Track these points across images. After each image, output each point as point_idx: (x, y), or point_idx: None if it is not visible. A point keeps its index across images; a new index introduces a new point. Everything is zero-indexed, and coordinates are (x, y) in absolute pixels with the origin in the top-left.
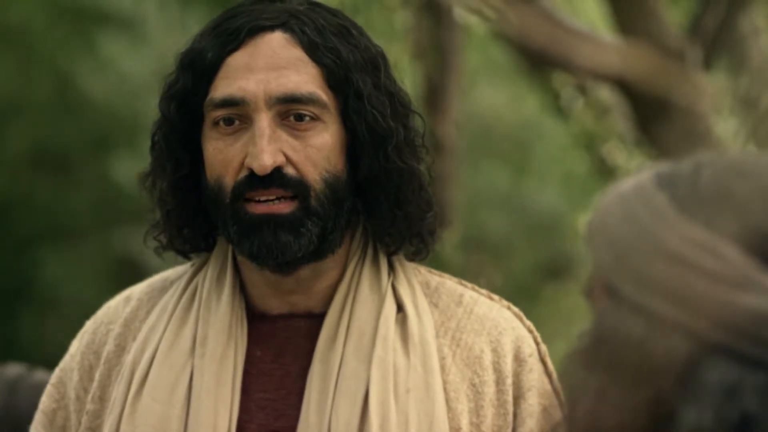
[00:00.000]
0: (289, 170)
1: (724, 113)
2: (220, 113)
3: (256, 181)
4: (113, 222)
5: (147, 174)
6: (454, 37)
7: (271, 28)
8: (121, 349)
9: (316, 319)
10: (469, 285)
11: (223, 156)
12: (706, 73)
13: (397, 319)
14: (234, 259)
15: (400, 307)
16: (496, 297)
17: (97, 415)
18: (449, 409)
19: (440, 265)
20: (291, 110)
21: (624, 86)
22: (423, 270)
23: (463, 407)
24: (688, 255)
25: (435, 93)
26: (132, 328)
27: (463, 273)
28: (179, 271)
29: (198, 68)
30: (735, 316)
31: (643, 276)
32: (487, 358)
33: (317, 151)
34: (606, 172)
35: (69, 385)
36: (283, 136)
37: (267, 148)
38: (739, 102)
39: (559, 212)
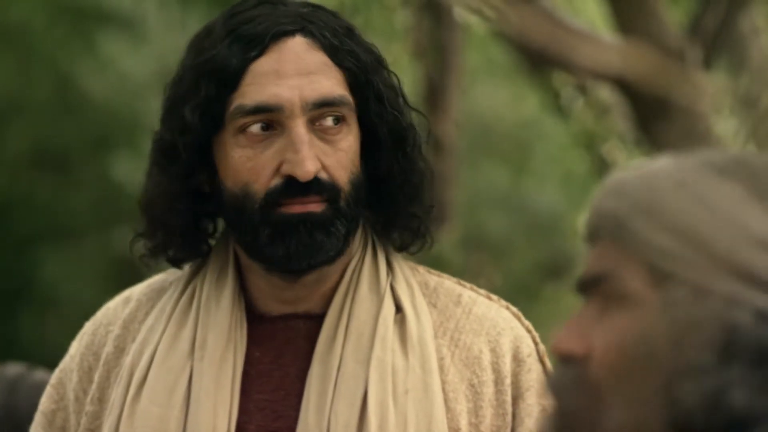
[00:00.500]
0: (323, 175)
1: (724, 113)
2: (249, 120)
3: (295, 189)
4: (113, 222)
5: (152, 181)
6: (454, 37)
7: (292, 33)
8: (120, 350)
9: (316, 319)
10: (468, 285)
11: (253, 163)
12: (706, 73)
13: (395, 320)
14: (236, 263)
15: (398, 308)
16: (494, 297)
17: (96, 417)
18: (448, 409)
19: (440, 265)
20: (323, 115)
21: (624, 86)
22: (422, 270)
23: (462, 407)
24: None
25: (435, 92)
26: (131, 329)
27: (462, 272)
28: (178, 272)
29: (221, 76)
30: None
31: (727, 262)
32: (486, 359)
33: (345, 155)
34: (606, 172)
35: (68, 387)
36: (315, 141)
37: (309, 154)
38: (739, 101)
39: (559, 212)
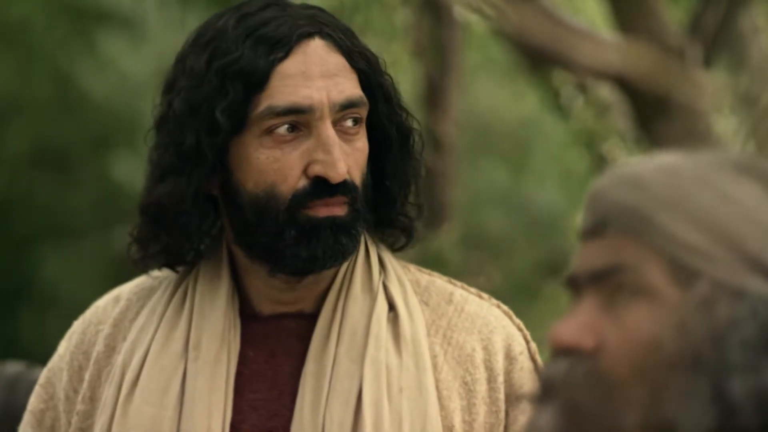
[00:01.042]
0: (347, 176)
1: (724, 111)
2: (278, 121)
3: (324, 190)
4: (113, 221)
5: (164, 184)
6: (454, 36)
7: (312, 35)
8: (111, 349)
9: (307, 319)
10: (459, 283)
11: (280, 164)
12: (706, 71)
13: (388, 318)
14: (230, 263)
15: (391, 306)
16: (485, 295)
17: (88, 416)
18: (442, 407)
19: (440, 264)
20: (345, 116)
21: (624, 84)
22: (413, 268)
23: (456, 405)
24: None
25: (435, 91)
26: (121, 328)
27: (462, 271)
28: (166, 271)
29: (248, 77)
30: None
31: (759, 261)
32: (479, 356)
33: (361, 155)
34: (605, 170)
35: (58, 386)
36: (339, 141)
37: (340, 156)
38: (739, 100)
39: (559, 210)
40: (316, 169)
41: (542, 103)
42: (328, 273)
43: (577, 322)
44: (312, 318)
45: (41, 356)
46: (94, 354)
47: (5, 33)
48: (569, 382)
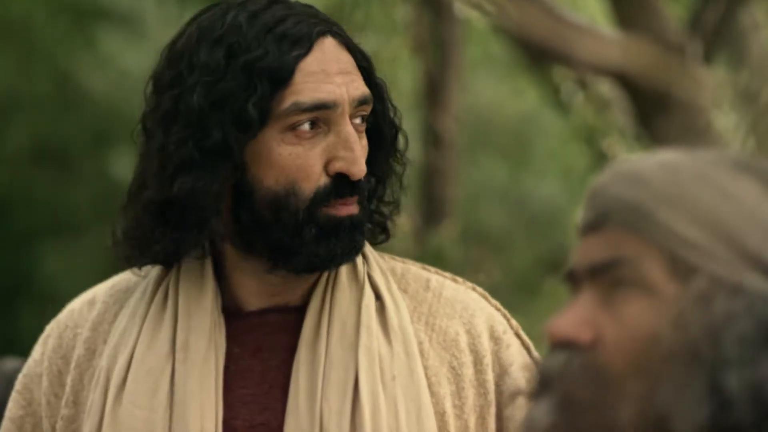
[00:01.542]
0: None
1: (724, 108)
2: (303, 117)
3: (347, 187)
4: (113, 218)
5: (184, 180)
6: (454, 32)
7: (326, 33)
8: (91, 352)
9: (292, 311)
10: (432, 269)
11: (302, 161)
12: (706, 68)
13: (375, 308)
14: (214, 261)
15: (377, 296)
16: (459, 279)
17: (73, 420)
18: (432, 393)
19: (440, 260)
20: (357, 113)
21: (624, 80)
22: (386, 257)
23: (446, 391)
24: None
25: (435, 87)
26: (100, 330)
27: (462, 267)
28: (140, 272)
29: (274, 73)
30: None
31: (758, 257)
32: (463, 340)
33: (365, 151)
34: (605, 167)
35: (37, 391)
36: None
37: (361, 153)
38: (739, 96)
39: (559, 206)
40: (339, 166)
41: (542, 99)
42: None
43: (575, 316)
44: (296, 311)
45: None
46: (75, 358)
47: (5, 30)
48: (566, 376)
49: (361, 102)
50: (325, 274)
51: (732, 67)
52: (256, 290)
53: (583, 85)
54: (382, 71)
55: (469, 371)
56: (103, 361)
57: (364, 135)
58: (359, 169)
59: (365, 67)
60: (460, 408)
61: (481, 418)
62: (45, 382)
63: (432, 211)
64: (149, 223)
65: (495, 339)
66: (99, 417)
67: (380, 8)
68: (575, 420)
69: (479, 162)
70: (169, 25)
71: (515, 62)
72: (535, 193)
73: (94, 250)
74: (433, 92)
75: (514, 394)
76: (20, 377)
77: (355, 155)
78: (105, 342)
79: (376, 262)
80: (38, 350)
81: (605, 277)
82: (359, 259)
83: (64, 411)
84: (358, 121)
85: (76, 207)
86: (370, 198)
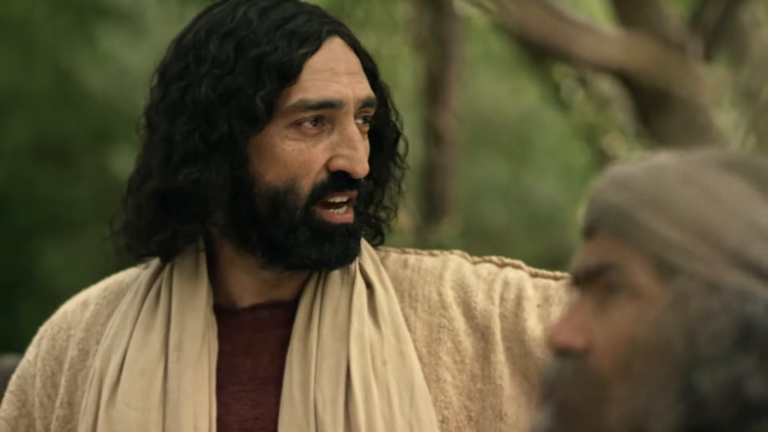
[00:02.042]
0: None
1: (725, 105)
2: (308, 114)
3: (343, 183)
4: (112, 215)
5: (189, 172)
6: (455, 29)
7: (334, 33)
8: (84, 353)
9: (282, 306)
10: (411, 250)
11: (305, 157)
12: (707, 65)
13: (366, 295)
14: (209, 259)
15: (368, 284)
16: (438, 252)
17: (68, 420)
18: (425, 365)
19: None
20: (361, 114)
21: (624, 78)
22: (368, 246)
23: (441, 355)
24: None
25: (435, 85)
26: (93, 332)
27: None
28: (132, 273)
29: (282, 69)
30: None
31: (736, 255)
32: (449, 297)
33: (366, 152)
34: (606, 164)
35: (31, 392)
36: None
37: (364, 152)
38: (740, 94)
39: (559, 204)
40: (340, 163)
41: (543, 96)
42: None
43: (571, 323)
44: (287, 305)
45: None
46: (68, 359)
47: (6, 27)
48: (561, 382)
49: (366, 103)
50: None
51: (732, 64)
52: (249, 286)
53: (583, 82)
54: (382, 69)
55: (460, 323)
56: (96, 362)
57: (366, 136)
58: (362, 167)
59: (370, 70)
60: (461, 362)
61: (487, 360)
62: (38, 383)
63: (432, 208)
64: (152, 212)
65: (488, 282)
66: (93, 418)
67: (381, 6)
68: (569, 426)
69: (480, 159)
70: (170, 23)
71: (516, 60)
72: (535, 191)
73: (93, 246)
74: (434, 90)
75: (520, 310)
76: (14, 378)
77: (358, 154)
78: (98, 343)
79: (367, 251)
80: (32, 351)
81: (599, 283)
82: None
83: (58, 412)
84: (360, 121)
85: (76, 204)
86: (368, 202)
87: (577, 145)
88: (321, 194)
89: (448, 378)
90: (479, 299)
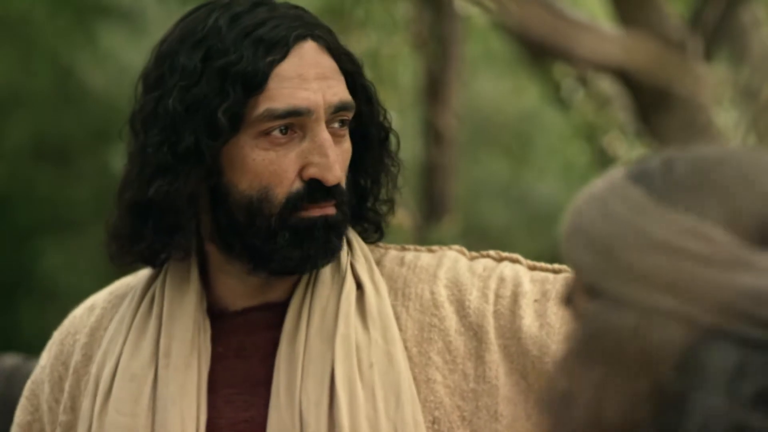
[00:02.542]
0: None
1: (725, 104)
2: (276, 124)
3: (320, 192)
4: (112, 214)
5: (159, 183)
6: (455, 28)
7: (306, 37)
8: (87, 358)
9: (274, 308)
10: (412, 247)
11: (276, 166)
12: (707, 64)
13: (355, 296)
14: (200, 264)
15: (359, 285)
16: (436, 248)
17: (70, 426)
18: (414, 364)
19: None
20: (336, 119)
21: (625, 77)
22: (371, 247)
23: (431, 355)
24: (675, 242)
25: (435, 84)
26: (97, 336)
27: None
28: (140, 277)
29: (248, 79)
30: (729, 297)
31: (631, 270)
32: (441, 295)
33: (347, 156)
34: (606, 163)
35: (41, 398)
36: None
37: (336, 159)
38: (740, 93)
39: (560, 203)
40: (312, 172)
41: (543, 95)
42: None
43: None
44: (279, 307)
45: (41, 349)
46: (73, 364)
47: (6, 26)
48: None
49: (340, 108)
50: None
51: (733, 64)
52: (239, 291)
53: (583, 81)
54: (382, 68)
55: (452, 322)
56: (93, 368)
57: (346, 139)
58: (333, 175)
59: (350, 71)
60: (452, 361)
61: (481, 360)
62: (47, 389)
63: (432, 207)
64: (131, 223)
65: (483, 279)
66: (88, 424)
67: (381, 5)
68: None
69: (480, 159)
70: (170, 21)
71: (516, 59)
72: (535, 190)
73: (94, 246)
74: (434, 89)
75: (516, 307)
76: (28, 383)
77: (329, 161)
78: (100, 347)
79: (361, 251)
80: (44, 357)
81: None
82: (343, 251)
83: (62, 417)
84: (336, 126)
85: (77, 203)
86: (364, 198)
87: (577, 145)
88: (296, 204)
89: (439, 378)
90: (473, 297)
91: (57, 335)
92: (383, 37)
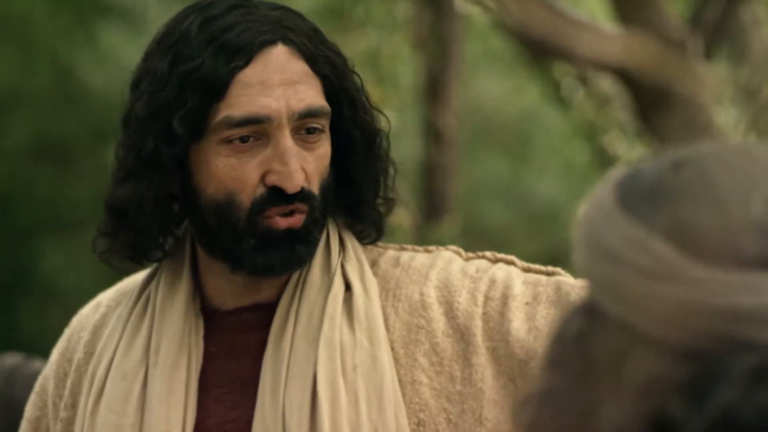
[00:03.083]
0: (305, 184)
1: (725, 103)
2: (235, 132)
3: (281, 198)
4: None
5: (125, 186)
6: (455, 28)
7: (275, 42)
8: (89, 356)
9: (266, 308)
10: (409, 247)
11: (238, 173)
12: (707, 64)
13: (344, 298)
14: (191, 263)
15: (348, 286)
16: (433, 248)
17: (70, 423)
18: (401, 366)
19: None
20: (305, 125)
21: (625, 76)
22: (370, 247)
23: (417, 358)
24: (622, 252)
25: (435, 84)
26: (99, 334)
27: None
28: (147, 274)
29: (208, 86)
30: (662, 308)
31: (589, 275)
32: (431, 296)
33: (322, 162)
34: (606, 163)
35: (48, 394)
36: (298, 150)
37: (297, 166)
38: (740, 92)
39: (559, 202)
40: (273, 180)
41: (543, 95)
42: None
43: None
44: (270, 307)
45: (41, 348)
46: (75, 361)
47: (6, 25)
48: None
49: (307, 114)
50: (298, 271)
51: (733, 63)
52: (227, 290)
53: (583, 81)
54: (382, 68)
55: (439, 324)
56: (90, 367)
57: (320, 144)
58: (293, 184)
59: (326, 75)
60: (438, 363)
61: (467, 362)
62: (52, 385)
63: (432, 207)
64: (110, 223)
65: (474, 279)
66: (82, 422)
67: (381, 5)
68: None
69: (480, 158)
70: None
71: (516, 58)
72: (535, 190)
73: None
74: (434, 89)
75: (506, 309)
76: (39, 378)
77: (289, 170)
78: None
79: (353, 251)
80: (54, 353)
81: None
82: (335, 251)
83: (63, 414)
84: (304, 132)
85: (77, 203)
86: (357, 200)
87: (577, 144)
88: (261, 209)
89: (425, 380)
90: (462, 299)
91: (66, 332)
92: (383, 36)
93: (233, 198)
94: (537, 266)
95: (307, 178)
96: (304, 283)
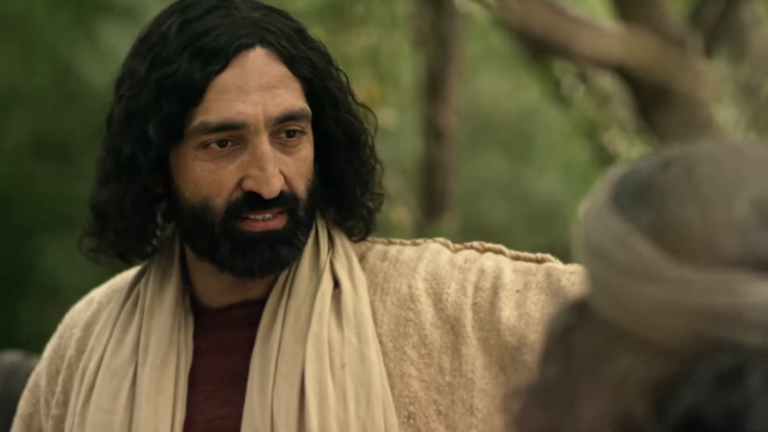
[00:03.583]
0: (285, 187)
1: (725, 101)
2: (211, 137)
3: (258, 203)
4: None
5: (106, 189)
6: (455, 26)
7: (252, 45)
8: (80, 352)
9: (256, 305)
10: (398, 241)
11: (215, 177)
12: (707, 61)
13: (333, 295)
14: (180, 262)
15: (336, 283)
16: (420, 240)
17: (61, 420)
18: (390, 359)
19: None
20: (284, 128)
21: (625, 74)
22: (345, 241)
23: (406, 350)
24: (607, 249)
25: (436, 81)
26: (91, 331)
27: None
28: (137, 272)
29: (183, 92)
30: (642, 307)
31: (585, 272)
32: (419, 289)
33: (304, 164)
34: (606, 160)
35: (41, 390)
36: (277, 153)
37: (274, 172)
38: (740, 90)
39: (560, 200)
40: (250, 185)
41: (543, 92)
42: None
43: None
44: (260, 304)
45: (41, 346)
46: (67, 358)
47: (6, 22)
48: None
49: (285, 118)
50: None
51: (733, 60)
52: (216, 288)
53: (583, 78)
54: (383, 65)
55: (428, 315)
56: (81, 364)
57: (302, 147)
58: (269, 189)
59: (306, 77)
60: (428, 355)
61: (457, 353)
62: (44, 382)
63: (433, 204)
64: (95, 223)
65: (464, 270)
66: (72, 420)
67: (381, 2)
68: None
69: (480, 156)
70: None
71: (516, 56)
72: (535, 187)
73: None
74: (434, 86)
75: (496, 299)
76: (32, 375)
77: (266, 175)
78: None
79: (342, 248)
80: (47, 349)
81: None
82: (324, 249)
83: (54, 411)
84: (284, 136)
85: (77, 201)
86: (343, 199)
87: (577, 142)
88: (236, 212)
89: (414, 373)
90: (451, 290)
91: (59, 328)
92: (383, 34)
93: (208, 203)
94: (526, 254)
95: (287, 181)
96: (292, 280)
